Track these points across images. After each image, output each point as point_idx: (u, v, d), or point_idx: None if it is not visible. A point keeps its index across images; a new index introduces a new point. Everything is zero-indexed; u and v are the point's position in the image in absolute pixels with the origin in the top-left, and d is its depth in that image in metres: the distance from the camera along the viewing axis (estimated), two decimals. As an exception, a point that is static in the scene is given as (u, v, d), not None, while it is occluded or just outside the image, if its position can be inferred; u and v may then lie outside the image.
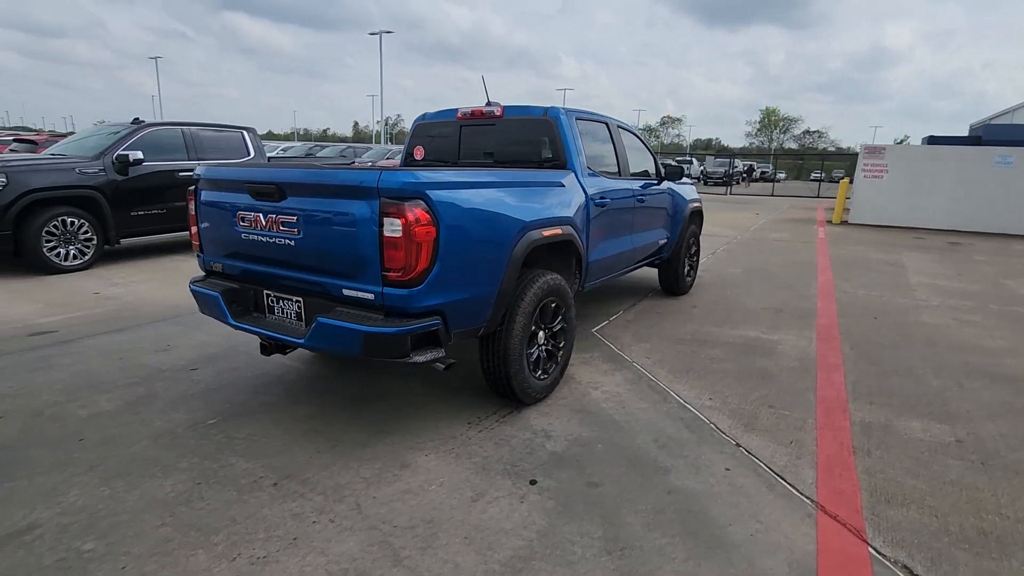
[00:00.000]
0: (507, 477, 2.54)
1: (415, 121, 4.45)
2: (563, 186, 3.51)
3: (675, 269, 5.81)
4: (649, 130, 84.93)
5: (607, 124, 4.46)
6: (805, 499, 2.44)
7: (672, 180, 5.33)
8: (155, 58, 48.28)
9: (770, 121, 71.25)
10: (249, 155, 8.56)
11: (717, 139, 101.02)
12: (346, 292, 2.55)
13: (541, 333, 3.30)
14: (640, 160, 5.11)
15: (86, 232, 6.69)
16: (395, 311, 2.47)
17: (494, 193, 2.82)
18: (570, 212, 3.43)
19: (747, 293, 6.20)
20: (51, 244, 6.41)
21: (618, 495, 2.43)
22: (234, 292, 2.98)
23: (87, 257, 6.71)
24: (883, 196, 12.90)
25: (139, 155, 7.06)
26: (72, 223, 6.57)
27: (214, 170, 2.96)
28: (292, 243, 2.64)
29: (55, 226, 6.43)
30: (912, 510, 2.38)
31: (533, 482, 2.51)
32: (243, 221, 2.81)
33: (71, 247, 6.58)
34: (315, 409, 3.19)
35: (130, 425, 2.97)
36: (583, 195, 3.69)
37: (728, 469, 2.66)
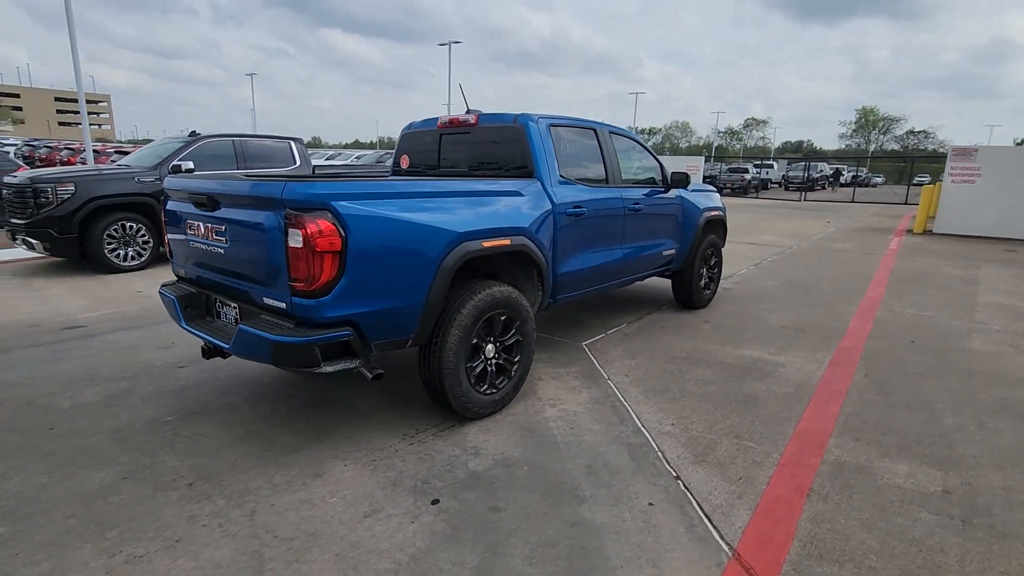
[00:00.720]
0: (412, 494, 2.49)
1: (402, 130, 4.50)
2: (521, 195, 3.40)
3: (688, 281, 5.48)
4: (731, 133, 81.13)
5: (596, 131, 4.28)
6: (723, 545, 2.19)
7: (679, 187, 5.03)
8: (251, 75, 52.27)
9: (867, 121, 65.72)
10: (295, 164, 9.04)
11: (809, 141, 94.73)
12: (266, 300, 2.61)
13: (490, 346, 3.21)
14: (641, 167, 4.87)
15: (143, 235, 7.33)
16: (304, 321, 2.49)
17: (420, 204, 2.77)
18: (525, 222, 3.31)
19: (774, 309, 5.74)
20: (112, 246, 7.07)
21: (516, 523, 2.30)
22: (191, 296, 3.13)
23: (143, 258, 7.35)
24: (973, 203, 11.50)
25: (190, 165, 7.63)
26: (131, 227, 7.22)
27: (172, 181, 3.13)
28: (223, 251, 2.74)
29: (115, 230, 7.09)
30: (845, 569, 2.07)
31: (435, 502, 2.44)
32: (190, 229, 2.95)
33: (129, 249, 7.23)
34: (267, 412, 3.29)
35: (99, 418, 3.19)
36: (548, 205, 3.56)
37: (651, 504, 2.45)
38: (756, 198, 25.55)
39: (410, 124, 4.46)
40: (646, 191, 4.70)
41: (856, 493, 2.55)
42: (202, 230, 2.83)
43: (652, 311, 5.63)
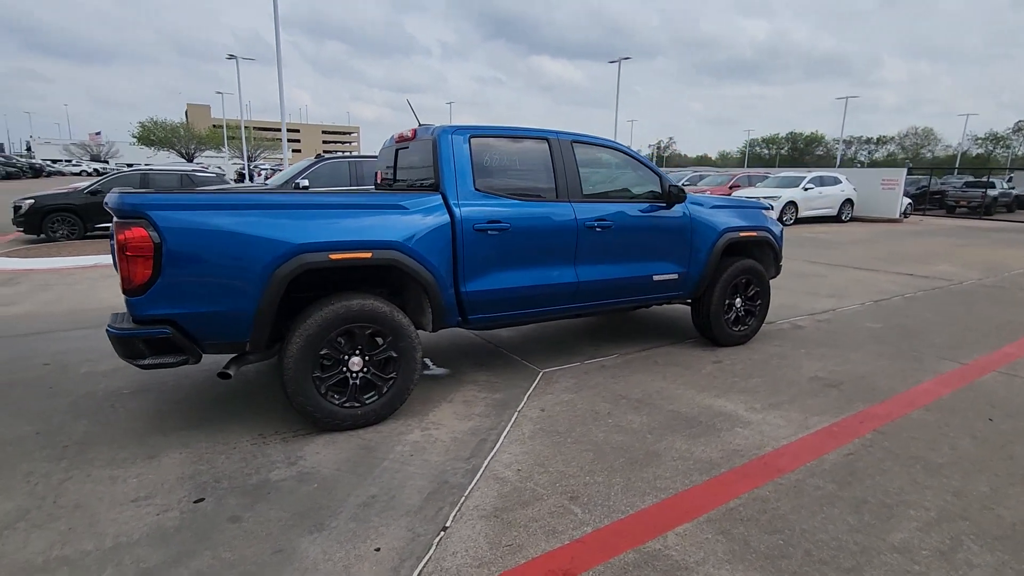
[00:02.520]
0: (192, 490, 2.61)
1: (383, 145, 4.67)
2: (403, 208, 3.31)
3: (706, 310, 4.67)
4: (995, 139, 64.96)
5: (549, 141, 3.94)
6: (392, 613, 1.88)
7: (678, 202, 4.33)
8: (449, 103, 58.09)
9: None
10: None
11: None
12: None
13: (355, 359, 3.19)
14: (624, 180, 4.33)
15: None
16: (133, 317, 2.79)
17: (249, 215, 2.89)
18: (398, 236, 3.21)
19: (828, 356, 4.56)
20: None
21: (232, 537, 2.28)
22: None
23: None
24: None
25: (306, 183, 8.88)
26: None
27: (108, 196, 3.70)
28: (119, 253, 3.21)
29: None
30: None
31: (199, 500, 2.53)
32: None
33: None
34: (194, 396, 3.70)
35: (87, 384, 3.93)
36: (445, 219, 3.40)
37: (377, 550, 2.20)
38: (993, 219, 20.16)
39: (390, 138, 4.61)
40: (624, 206, 4.16)
41: (625, 596, 1.96)
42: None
43: (666, 343, 4.91)
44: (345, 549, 2.21)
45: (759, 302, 4.94)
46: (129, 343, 2.77)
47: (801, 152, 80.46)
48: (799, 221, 16.08)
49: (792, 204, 15.75)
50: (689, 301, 4.78)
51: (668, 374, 4.16)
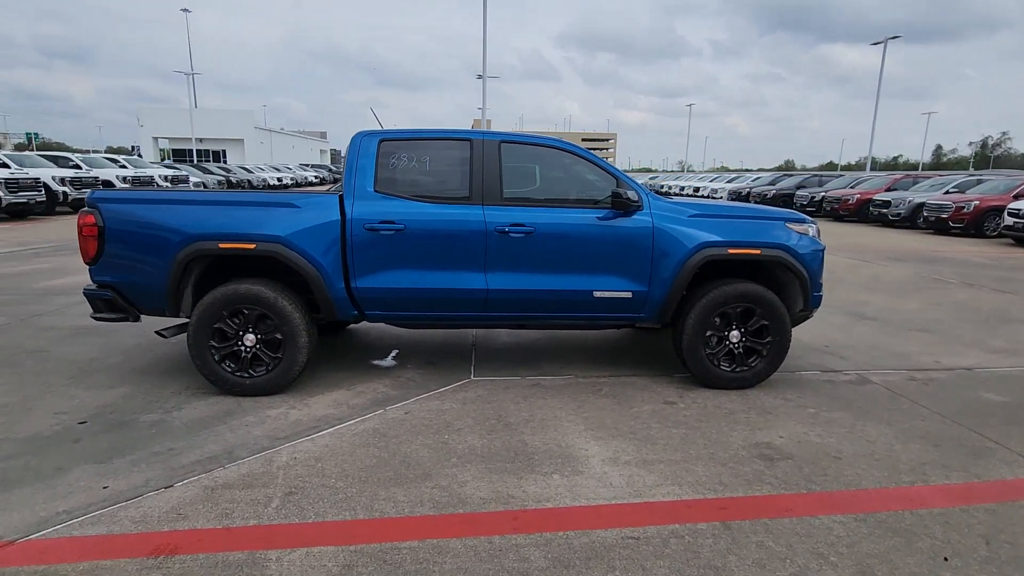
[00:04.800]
0: (89, 414, 3.41)
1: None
2: (295, 207, 3.63)
3: (679, 340, 3.87)
4: None
5: (471, 142, 3.78)
6: None
7: (626, 209, 3.69)
8: (689, 105, 54.62)
9: None
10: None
11: None
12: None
13: (250, 336, 3.68)
14: (564, 183, 3.91)
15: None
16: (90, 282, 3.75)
17: (164, 208, 3.58)
18: (283, 231, 3.55)
19: (832, 423, 3.34)
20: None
21: (60, 450, 2.95)
22: None
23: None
24: None
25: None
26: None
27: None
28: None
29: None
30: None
31: (83, 422, 3.30)
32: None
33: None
34: (148, 355, 4.68)
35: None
36: (335, 217, 3.62)
37: (105, 487, 2.62)
38: None
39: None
40: (556, 212, 3.76)
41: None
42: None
43: (650, 373, 4.21)
44: (94, 480, 2.68)
45: (768, 339, 3.87)
46: (89, 300, 3.74)
47: None
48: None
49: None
50: (660, 327, 4.03)
51: (585, 404, 3.63)
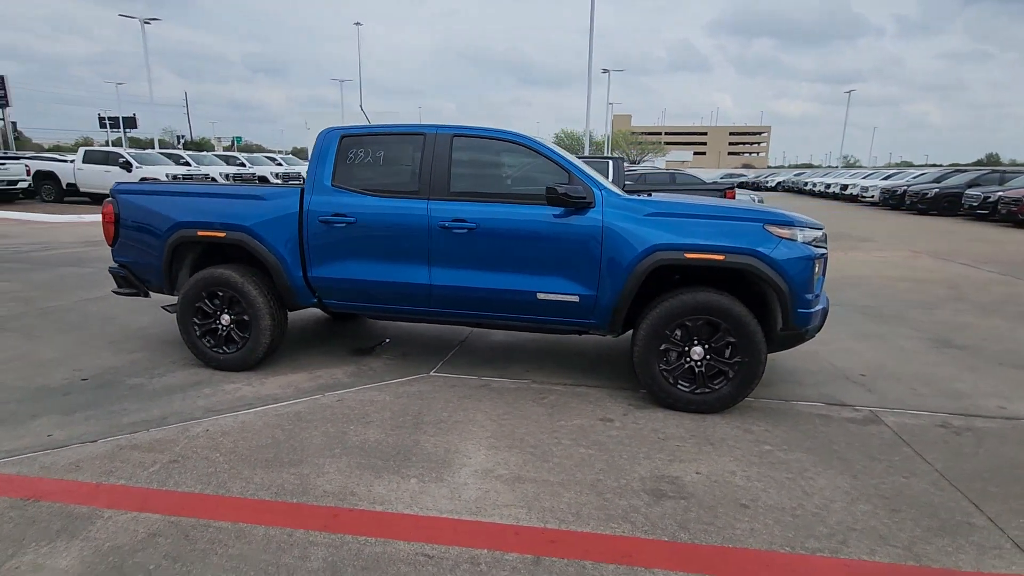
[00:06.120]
0: (97, 372, 4.01)
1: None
2: (262, 199, 3.89)
3: (631, 353, 3.50)
4: None
5: (424, 136, 3.75)
6: (-25, 466, 2.76)
7: (587, 207, 3.40)
8: (848, 92, 47.61)
9: None
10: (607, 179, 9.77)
11: None
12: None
13: (226, 316, 4.05)
14: (516, 178, 3.71)
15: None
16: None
17: (162, 199, 4.05)
18: (247, 221, 3.83)
19: (791, 469, 2.79)
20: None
21: (52, 402, 3.52)
22: None
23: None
24: None
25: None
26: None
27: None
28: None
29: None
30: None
31: (85, 379, 3.89)
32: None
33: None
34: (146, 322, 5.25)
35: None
36: (293, 209, 3.83)
37: (50, 435, 3.07)
38: None
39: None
40: (499, 207, 3.60)
41: None
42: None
43: (620, 386, 3.87)
44: (49, 428, 3.16)
45: (737, 359, 3.33)
46: (113, 277, 4.39)
47: None
48: None
49: None
50: (615, 336, 3.66)
51: (514, 411, 3.45)
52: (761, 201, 13.94)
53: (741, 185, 41.22)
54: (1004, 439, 3.15)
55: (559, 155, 3.69)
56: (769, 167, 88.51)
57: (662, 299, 3.41)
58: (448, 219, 3.65)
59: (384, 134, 3.95)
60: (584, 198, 3.44)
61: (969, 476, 2.75)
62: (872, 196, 22.40)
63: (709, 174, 50.64)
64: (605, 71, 33.91)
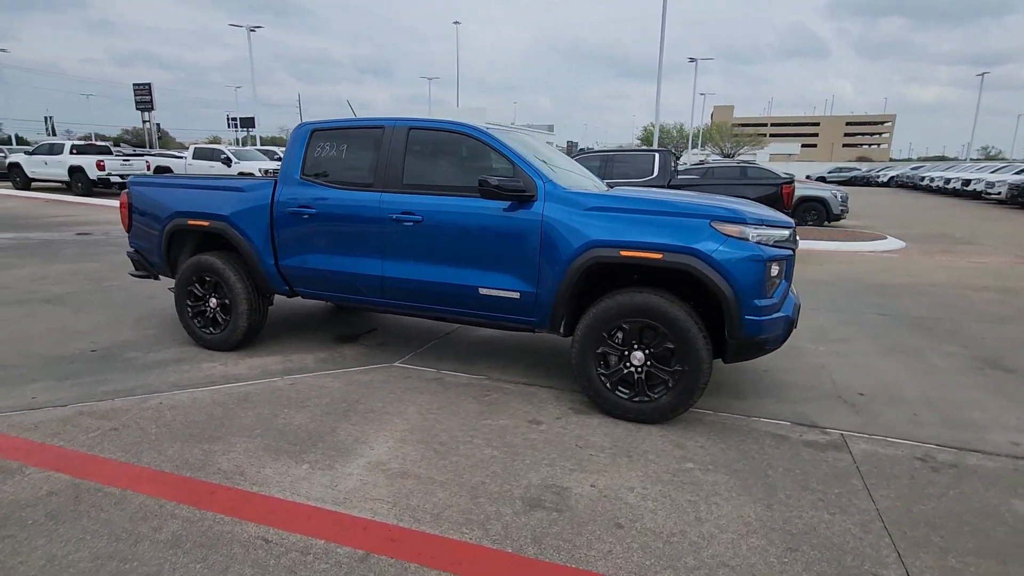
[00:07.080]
0: (103, 346, 4.46)
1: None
2: (241, 191, 4.12)
3: (571, 355, 3.32)
4: None
5: (383, 129, 3.77)
6: (-38, 420, 3.18)
7: (529, 200, 3.27)
8: (981, 74, 41.05)
9: None
10: (653, 174, 9.34)
11: None
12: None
13: (213, 300, 4.36)
14: (465, 170, 3.63)
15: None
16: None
17: (164, 190, 4.40)
18: (226, 211, 4.08)
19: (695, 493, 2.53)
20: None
21: (58, 373, 3.98)
22: None
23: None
24: None
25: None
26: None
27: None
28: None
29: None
30: None
31: (94, 351, 4.35)
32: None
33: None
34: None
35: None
36: (265, 202, 4.02)
37: (34, 398, 3.47)
38: None
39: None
40: (445, 200, 3.55)
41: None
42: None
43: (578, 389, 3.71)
44: (38, 392, 3.56)
45: (676, 367, 3.05)
46: (130, 260, 4.86)
47: None
48: None
49: None
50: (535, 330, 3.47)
51: (447, 407, 3.40)
52: (844, 198, 12.61)
53: (849, 181, 37.20)
54: (990, 482, 2.64)
55: (506, 146, 3.56)
56: (891, 160, 79.79)
57: (600, 300, 3.20)
58: (398, 211, 3.67)
59: (351, 128, 4.03)
60: (522, 191, 3.31)
61: (915, 521, 2.34)
62: (999, 193, 19.51)
63: (815, 168, 46.52)
64: (692, 60, 32.23)
